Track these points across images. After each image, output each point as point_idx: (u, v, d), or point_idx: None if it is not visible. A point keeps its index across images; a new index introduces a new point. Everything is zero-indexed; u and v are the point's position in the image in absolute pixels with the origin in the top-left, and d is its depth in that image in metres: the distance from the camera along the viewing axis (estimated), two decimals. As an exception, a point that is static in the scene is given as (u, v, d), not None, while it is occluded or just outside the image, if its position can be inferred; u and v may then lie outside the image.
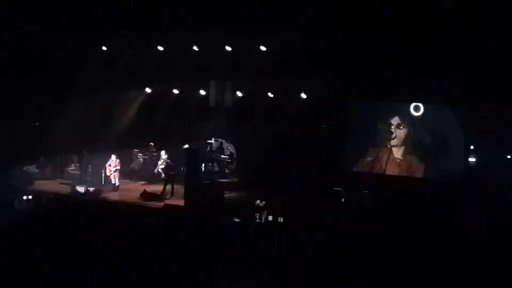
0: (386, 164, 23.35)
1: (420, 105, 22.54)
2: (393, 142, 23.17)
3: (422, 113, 22.59)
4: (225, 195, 22.63)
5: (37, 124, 29.17)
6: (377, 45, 21.88)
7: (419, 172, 22.70)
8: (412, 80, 21.54)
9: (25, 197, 22.33)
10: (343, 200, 21.46)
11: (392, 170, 23.26)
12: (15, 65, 25.65)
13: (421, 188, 21.60)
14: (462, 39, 20.31)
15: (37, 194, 23.49)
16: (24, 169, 26.74)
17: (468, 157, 21.77)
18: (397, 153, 23.22)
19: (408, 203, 19.87)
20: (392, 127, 23.14)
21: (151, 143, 27.90)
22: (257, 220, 20.26)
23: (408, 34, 21.16)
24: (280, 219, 20.15)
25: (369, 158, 23.63)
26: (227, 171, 26.99)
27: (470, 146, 21.83)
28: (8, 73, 25.60)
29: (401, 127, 23.04)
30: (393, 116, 23.15)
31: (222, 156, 27.15)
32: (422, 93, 21.93)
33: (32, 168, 27.51)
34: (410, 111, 22.77)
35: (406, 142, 23.00)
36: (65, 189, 25.26)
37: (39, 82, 26.48)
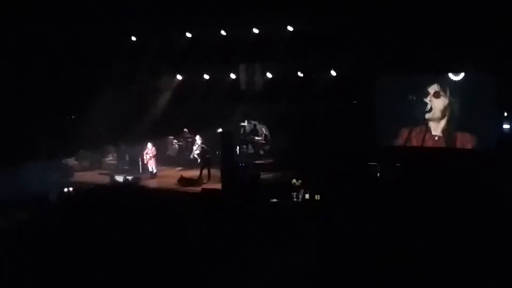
0: (422, 142, 23.17)
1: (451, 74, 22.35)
2: (428, 116, 22.90)
3: (457, 82, 22.31)
4: (261, 176, 22.81)
5: (73, 117, 29.60)
6: (406, 15, 21.68)
7: (463, 145, 22.40)
8: (442, 49, 21.31)
9: (65, 189, 22.76)
10: (378, 174, 21.48)
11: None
12: (48, 60, 26.01)
13: (459, 160, 21.43)
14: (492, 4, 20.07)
15: (77, 186, 23.90)
16: (64, 162, 27.23)
17: (502, 124, 21.58)
18: (436, 129, 22.89)
19: (444, 175, 19.77)
20: (427, 98, 22.84)
21: (185, 129, 28.16)
22: (294, 199, 20.36)
23: (438, 3, 20.97)
24: (317, 197, 20.22)
25: (402, 138, 23.50)
26: (261, 152, 27.18)
27: (503, 112, 21.62)
28: (42, 69, 25.98)
29: (438, 97, 22.71)
30: (426, 86, 22.87)
31: (256, 137, 27.33)
32: (455, 62, 21.70)
33: (71, 161, 28.02)
34: (443, 81, 22.51)
35: (444, 115, 22.69)
36: (104, 179, 25.69)
37: (72, 76, 26.84)
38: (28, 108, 25.92)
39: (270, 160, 26.03)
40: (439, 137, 22.79)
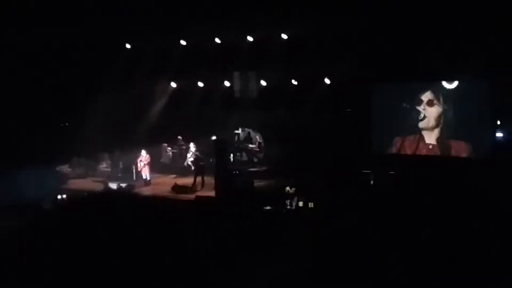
0: (415, 151, 23.11)
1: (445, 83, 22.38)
2: (421, 124, 22.89)
3: (451, 90, 22.28)
4: (255, 184, 22.80)
5: (67, 124, 29.55)
6: (400, 23, 21.70)
7: (457, 154, 22.24)
8: (436, 57, 21.32)
9: (59, 197, 22.70)
10: (372, 182, 21.49)
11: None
12: (42, 66, 25.97)
13: (453, 167, 21.41)
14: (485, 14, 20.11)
15: (71, 193, 23.82)
16: (57, 169, 27.16)
17: (495, 132, 21.61)
18: (429, 138, 22.86)
19: (438, 183, 19.73)
20: (420, 106, 22.83)
21: (179, 137, 28.15)
22: (288, 207, 20.33)
23: (430, 11, 21.01)
24: (311, 205, 20.20)
25: (395, 147, 23.48)
26: (255, 160, 27.18)
27: (497, 121, 21.66)
28: (36, 75, 25.94)
29: (432, 105, 22.67)
30: (419, 94, 22.85)
31: (250, 145, 27.34)
32: (448, 70, 21.70)
33: (65, 168, 27.96)
34: (436, 89, 22.48)
35: (438, 123, 22.68)
36: (98, 186, 25.63)
37: (66, 83, 26.81)
38: (22, 115, 25.86)
39: (264, 168, 26.02)
40: (433, 145, 22.74)
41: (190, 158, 26.34)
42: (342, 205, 18.89)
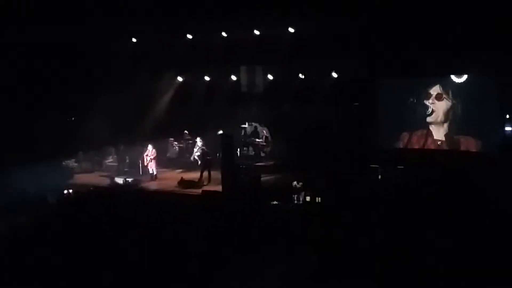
0: (423, 146, 22.94)
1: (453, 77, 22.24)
2: (430, 119, 22.73)
3: (460, 84, 22.12)
4: (262, 179, 22.72)
5: (73, 119, 29.54)
6: (408, 17, 21.57)
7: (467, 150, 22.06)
8: (444, 51, 21.19)
9: (65, 191, 22.67)
10: (379, 177, 21.39)
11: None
12: (49, 62, 25.97)
13: (461, 162, 21.27)
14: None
15: (77, 188, 23.81)
16: (63, 164, 27.15)
17: (504, 127, 21.48)
18: (438, 133, 22.71)
19: (446, 177, 19.64)
20: (429, 100, 22.68)
21: (185, 131, 28.11)
22: (295, 202, 20.26)
23: (436, 6, 20.89)
24: (318, 199, 20.12)
25: (402, 143, 23.34)
26: (262, 154, 27.10)
27: (506, 115, 21.52)
28: (42, 71, 25.93)
29: (441, 99, 22.49)
30: (427, 88, 22.70)
31: (257, 139, 27.26)
32: (457, 64, 21.56)
33: (71, 163, 27.95)
34: (445, 83, 22.31)
35: (447, 118, 22.51)
36: (104, 181, 25.63)
37: (73, 77, 26.80)
38: (28, 109, 25.86)
39: (271, 162, 25.95)
40: (441, 141, 22.59)
41: (196, 152, 26.30)
42: (350, 200, 18.81)
